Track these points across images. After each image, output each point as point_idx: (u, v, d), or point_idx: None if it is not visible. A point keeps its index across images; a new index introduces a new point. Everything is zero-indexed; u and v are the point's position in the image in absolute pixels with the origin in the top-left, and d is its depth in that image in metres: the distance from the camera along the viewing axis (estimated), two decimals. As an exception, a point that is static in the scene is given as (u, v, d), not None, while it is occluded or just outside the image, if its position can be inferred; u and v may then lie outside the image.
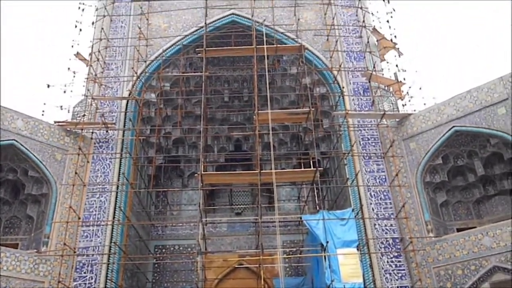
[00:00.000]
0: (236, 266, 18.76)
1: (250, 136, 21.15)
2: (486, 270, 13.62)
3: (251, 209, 20.94)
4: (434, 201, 16.07)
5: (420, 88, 18.13)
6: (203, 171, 15.72)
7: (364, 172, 16.36)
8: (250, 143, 21.76)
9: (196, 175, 16.04)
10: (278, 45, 18.05)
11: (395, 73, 19.11)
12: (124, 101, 17.99)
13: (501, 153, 15.14)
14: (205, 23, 19.26)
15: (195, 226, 18.55)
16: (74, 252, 14.89)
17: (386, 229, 15.42)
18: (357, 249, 14.89)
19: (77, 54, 20.05)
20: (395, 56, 20.34)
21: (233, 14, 20.08)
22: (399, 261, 14.90)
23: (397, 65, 19.11)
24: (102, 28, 19.16)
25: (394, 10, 20.21)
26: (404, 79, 18.95)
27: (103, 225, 15.47)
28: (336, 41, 18.59)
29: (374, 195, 15.99)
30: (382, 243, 15.15)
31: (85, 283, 14.60)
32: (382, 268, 14.76)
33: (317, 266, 15.71)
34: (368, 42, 18.72)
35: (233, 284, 18.34)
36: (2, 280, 13.46)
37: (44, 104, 16.98)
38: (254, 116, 16.24)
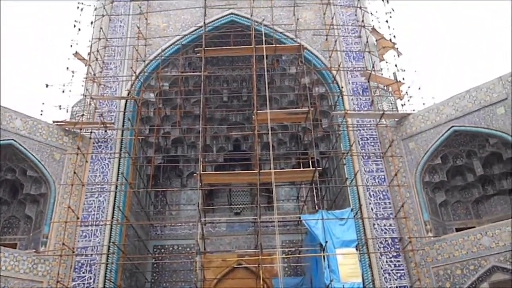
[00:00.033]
0: (235, 266, 18.75)
1: (249, 136, 21.14)
2: (485, 270, 13.62)
3: (250, 209, 20.93)
4: (433, 201, 16.07)
5: (419, 88, 18.16)
6: (202, 171, 15.71)
7: (363, 172, 16.36)
8: (249, 143, 21.74)
9: (195, 175, 16.02)
10: (277, 45, 18.04)
11: (394, 73, 19.13)
12: (123, 101, 17.97)
13: (500, 153, 15.14)
14: (204, 22, 19.24)
15: (194, 226, 18.50)
16: (73, 252, 14.86)
17: (385, 229, 15.42)
18: (356, 249, 14.88)
19: (76, 54, 20.01)
20: (394, 56, 20.36)
21: (232, 13, 20.07)
22: (398, 261, 14.90)
23: (396, 65, 19.14)
24: (101, 28, 19.13)
25: (393, 10, 20.23)
26: (403, 79, 19.00)
27: (101, 225, 15.45)
28: (335, 41, 18.59)
29: (373, 195, 15.99)
30: (381, 243, 15.15)
31: (83, 283, 14.57)
32: (381, 268, 14.76)
33: (316, 266, 15.70)
34: (367, 42, 18.71)
35: (232, 284, 18.32)
36: (1, 280, 13.43)
37: (43, 103, 16.98)
38: (253, 116, 16.23)
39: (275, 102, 20.65)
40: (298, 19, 19.41)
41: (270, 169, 15.31)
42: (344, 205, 16.95)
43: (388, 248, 15.06)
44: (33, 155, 15.64)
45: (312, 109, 16.14)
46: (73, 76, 18.35)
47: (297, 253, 18.69)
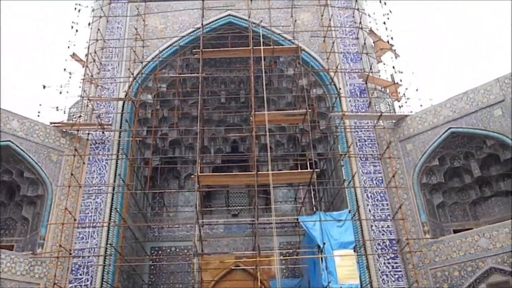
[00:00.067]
0: (233, 267, 18.72)
1: (247, 137, 21.11)
2: (482, 272, 13.64)
3: (248, 211, 20.90)
4: (430, 202, 16.08)
5: (417, 90, 18.29)
6: (200, 173, 15.66)
7: (361, 174, 16.36)
8: (247, 145, 21.72)
9: (192, 176, 15.99)
10: (275, 47, 18.06)
11: (391, 75, 19.14)
12: (121, 102, 17.94)
13: (498, 155, 15.18)
14: (202, 24, 19.23)
15: (192, 227, 18.46)
16: (70, 253, 14.81)
17: (383, 230, 15.42)
18: (354, 251, 14.84)
19: (73, 55, 19.96)
20: (392, 57, 20.37)
21: (229, 15, 20.08)
22: (396, 263, 14.89)
23: (393, 67, 19.16)
24: (99, 29, 19.12)
25: (390, 12, 20.26)
26: (401, 80, 19.01)
27: (99, 226, 15.40)
28: (333, 43, 18.61)
29: (370, 196, 15.99)
30: (378, 244, 15.14)
31: (80, 285, 14.52)
32: (379, 270, 14.75)
33: (313, 267, 15.67)
34: (364, 43, 18.74)
35: (230, 285, 18.31)
36: (-3, 282, 13.39)
37: (40, 105, 16.98)
38: (251, 118, 16.21)
39: (273, 104, 20.65)
40: (295, 21, 19.43)
41: (268, 170, 15.28)
42: (341, 206, 16.95)
43: (385, 250, 15.05)
44: (30, 157, 15.59)
45: (309, 110, 16.11)
46: (70, 77, 18.31)
47: (294, 254, 18.65)
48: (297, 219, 16.89)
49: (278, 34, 19.34)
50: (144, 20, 19.77)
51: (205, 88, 20.39)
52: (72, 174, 15.66)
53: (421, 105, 17.37)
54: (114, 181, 16.34)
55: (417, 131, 16.40)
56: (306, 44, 19.07)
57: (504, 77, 15.08)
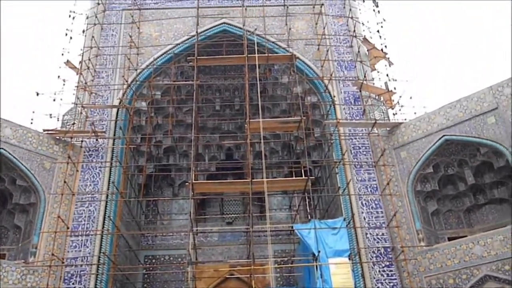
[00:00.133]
0: (227, 276, 18.59)
1: (241, 144, 21.09)
2: (477, 279, 13.63)
3: (243, 218, 20.83)
4: (425, 210, 16.10)
5: (411, 98, 18.31)
6: (194, 180, 15.61)
7: (356, 181, 16.35)
8: (241, 152, 21.70)
9: (187, 184, 15.93)
10: (270, 54, 18.10)
11: (385, 83, 19.21)
12: (115, 110, 17.87)
13: (491, 162, 15.24)
14: (197, 32, 19.24)
15: (186, 235, 18.36)
16: (63, 262, 14.63)
17: (378, 238, 15.39)
18: (349, 259, 14.82)
19: (67, 62, 19.90)
20: (386, 65, 20.49)
21: (224, 23, 20.13)
22: (391, 270, 14.85)
23: (387, 75, 19.24)
24: (93, 36, 19.09)
25: (384, 20, 20.44)
26: (395, 88, 19.07)
27: (92, 235, 15.26)
28: (327, 51, 18.68)
29: (365, 204, 15.97)
30: (373, 252, 15.10)
31: (73, 294, 14.36)
32: (374, 278, 14.69)
33: (308, 276, 15.62)
34: (358, 51, 18.83)
35: (224, 294, 18.18)
36: (-12, 292, 13.21)
37: (33, 112, 16.88)
38: (246, 125, 16.21)
39: (268, 111, 20.67)
40: (290, 29, 19.50)
41: (262, 178, 15.26)
42: (336, 214, 16.92)
43: (380, 258, 15.02)
44: (22, 164, 15.47)
45: (304, 118, 16.14)
46: (64, 84, 18.22)
47: (289, 263, 18.56)
48: (292, 227, 16.84)
49: (273, 42, 19.40)
50: (138, 28, 19.78)
51: (200, 95, 20.38)
52: (65, 182, 15.53)
53: (415, 113, 17.46)
54: (108, 189, 16.22)
55: (411, 139, 16.44)
56: (300, 52, 19.14)
57: (497, 85, 15.18)
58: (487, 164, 15.44)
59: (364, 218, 15.69)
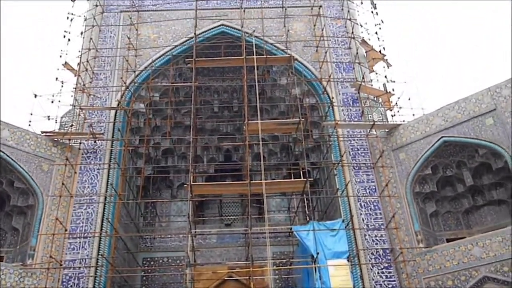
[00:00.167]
0: (226, 278, 18.55)
1: (240, 146, 21.07)
2: (476, 281, 13.63)
3: (241, 220, 20.80)
4: (423, 211, 16.10)
5: (409, 99, 18.24)
6: (193, 182, 15.58)
7: (354, 183, 16.35)
8: (240, 154, 21.68)
9: (185, 185, 15.90)
10: (268, 56, 18.12)
11: (384, 84, 19.28)
12: (113, 111, 17.84)
13: (490, 163, 15.25)
14: (195, 33, 19.24)
15: (184, 237, 18.33)
16: (61, 265, 14.58)
17: (376, 239, 15.38)
18: (348, 260, 14.81)
19: (66, 64, 19.88)
20: (384, 67, 20.53)
21: (222, 25, 20.13)
22: (390, 272, 14.84)
23: (386, 76, 19.27)
24: (91, 38, 19.06)
25: (382, 22, 20.48)
26: (393, 90, 19.11)
27: (90, 237, 15.21)
28: (326, 52, 18.69)
29: (364, 205, 15.97)
30: (372, 254, 15.09)
31: (71, 297, 14.31)
32: (373, 279, 14.68)
33: (307, 277, 15.59)
34: (357, 53, 18.84)
35: (223, 296, 18.14)
36: (-14, 294, 13.16)
37: (31, 114, 16.78)
38: (244, 127, 16.19)
39: (266, 113, 20.67)
40: (288, 31, 19.52)
41: (261, 179, 15.23)
42: (335, 216, 16.91)
43: (379, 259, 15.00)
44: (20, 166, 15.41)
45: (303, 119, 16.13)
46: (62, 86, 18.20)
47: (288, 264, 18.55)
48: (291, 229, 16.83)
49: (271, 43, 19.40)
50: (136, 30, 19.77)
51: (198, 97, 20.37)
52: (63, 184, 15.48)
53: (413, 114, 17.47)
54: (106, 191, 16.18)
55: (410, 140, 16.45)
56: (299, 54, 19.14)
57: (495, 86, 15.21)
58: (485, 165, 15.45)
59: (363, 220, 15.68)
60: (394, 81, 19.08)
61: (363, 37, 20.29)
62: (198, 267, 18.03)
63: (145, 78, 18.89)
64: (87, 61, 18.41)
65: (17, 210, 15.73)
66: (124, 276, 16.93)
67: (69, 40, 19.12)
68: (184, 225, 19.28)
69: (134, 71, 18.69)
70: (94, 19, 19.65)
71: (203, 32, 19.80)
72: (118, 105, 17.91)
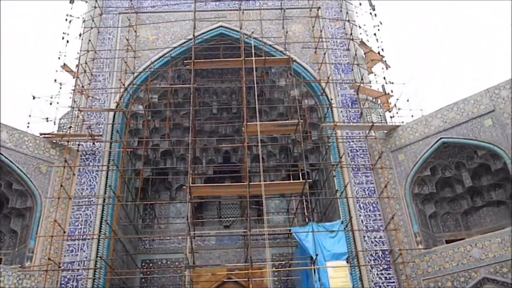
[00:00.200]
0: (225, 280, 18.50)
1: (238, 148, 21.06)
2: (475, 282, 13.62)
3: (240, 222, 20.78)
4: (422, 212, 16.09)
5: (408, 100, 18.24)
6: (192, 184, 15.57)
7: (353, 184, 16.34)
8: (239, 155, 21.67)
9: (184, 187, 15.91)
10: (267, 58, 18.12)
11: (382, 85, 19.26)
12: (111, 113, 17.83)
13: (488, 165, 15.25)
14: (194, 35, 19.26)
15: (183, 239, 18.30)
16: (59, 267, 14.55)
17: (376, 241, 15.37)
18: (347, 262, 14.79)
19: (64, 66, 19.88)
20: (383, 68, 20.54)
21: (221, 26, 20.14)
22: (389, 274, 14.82)
23: (384, 77, 19.28)
24: (90, 40, 19.06)
25: (381, 23, 20.52)
26: (392, 91, 19.10)
27: (89, 239, 15.18)
28: (324, 54, 18.70)
29: (363, 207, 15.96)
30: (371, 255, 15.08)
31: (70, 299, 14.26)
32: (372, 281, 14.66)
33: (306, 279, 15.56)
34: (355, 54, 18.87)
35: (222, 298, 18.09)
36: (-16, 297, 13.12)
37: (30, 116, 16.78)
38: (243, 128, 16.19)
39: (265, 114, 20.66)
40: (287, 32, 19.53)
41: (260, 181, 15.22)
42: (334, 217, 16.89)
43: (378, 261, 14.99)
44: (19, 168, 15.38)
45: (301, 121, 16.15)
46: (61, 88, 18.23)
47: (287, 266, 18.53)
48: (290, 230, 16.80)
49: (270, 45, 19.41)
50: (135, 31, 19.77)
51: (197, 98, 20.36)
52: (61, 186, 15.46)
53: (412, 116, 17.46)
54: (105, 193, 16.16)
55: (409, 141, 16.45)
56: (297, 55, 19.15)
57: (494, 87, 15.23)
58: (484, 166, 15.45)
59: (362, 221, 15.67)
60: (392, 83, 19.10)
61: (361, 39, 20.32)
62: (197, 269, 18.01)
63: (144, 79, 18.87)
64: (86, 63, 18.40)
65: (16, 212, 15.69)
66: (123, 278, 16.89)
67: (67, 41, 19.17)
68: (183, 227, 19.27)
69: (133, 73, 18.68)
70: (93, 20, 19.65)
71: (201, 34, 19.80)
72: (116, 106, 17.89)
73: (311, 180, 16.88)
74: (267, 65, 18.69)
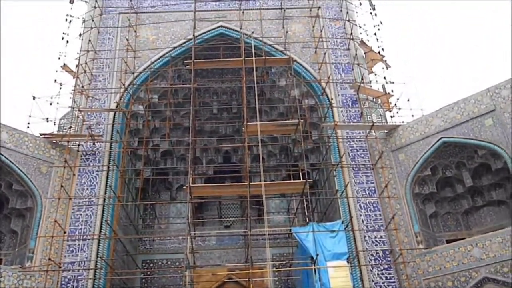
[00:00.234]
0: (225, 280, 18.50)
1: (239, 148, 21.05)
2: (476, 282, 13.61)
3: (240, 222, 20.77)
4: (423, 212, 16.08)
5: (408, 100, 18.21)
6: (192, 184, 15.55)
7: (354, 184, 16.33)
8: (239, 155, 21.66)
9: (184, 187, 15.89)
10: (267, 57, 18.10)
11: (383, 85, 19.25)
12: (112, 113, 17.82)
13: (489, 164, 15.24)
14: (194, 35, 19.24)
15: (184, 239, 18.29)
16: (60, 267, 14.54)
17: (376, 241, 15.35)
18: (347, 262, 14.77)
19: (64, 66, 19.86)
20: (383, 68, 20.53)
21: (221, 26, 20.12)
22: (390, 273, 14.81)
23: (385, 77, 19.27)
24: (90, 40, 19.04)
25: (381, 23, 20.49)
26: (392, 91, 19.09)
27: (89, 239, 15.17)
28: (324, 53, 18.69)
29: (363, 206, 15.95)
30: (372, 255, 15.07)
31: (70, 299, 14.26)
32: (373, 281, 14.65)
33: (307, 279, 15.54)
34: (356, 54, 18.85)
35: (222, 298, 18.09)
36: (-16, 297, 13.11)
37: (30, 116, 16.76)
38: (243, 128, 16.18)
39: (265, 114, 20.65)
40: (287, 32, 19.51)
41: (260, 181, 15.21)
42: (334, 217, 16.88)
43: (379, 261, 14.98)
44: (19, 169, 15.37)
45: (302, 121, 16.13)
46: (61, 88, 18.21)
47: (287, 266, 18.52)
48: (290, 230, 16.79)
49: (270, 45, 19.40)
50: (135, 31, 19.76)
51: (197, 98, 20.35)
52: (62, 186, 15.45)
53: (412, 115, 17.44)
54: (105, 193, 16.15)
55: (409, 141, 16.44)
56: (297, 55, 19.14)
57: (494, 87, 15.21)
58: (485, 166, 15.44)
59: (363, 221, 15.66)
60: (393, 82, 19.09)
61: (362, 38, 20.30)
62: (198, 269, 18.00)
63: (144, 79, 18.86)
64: (86, 63, 18.39)
65: (16, 212, 15.69)
66: (123, 278, 16.88)
67: (67, 42, 19.16)
68: (183, 227, 19.26)
69: (133, 73, 18.67)
70: (93, 21, 19.64)
71: (202, 34, 19.79)
72: (117, 107, 17.88)
73: (311, 180, 16.86)
74: (267, 65, 18.68)
